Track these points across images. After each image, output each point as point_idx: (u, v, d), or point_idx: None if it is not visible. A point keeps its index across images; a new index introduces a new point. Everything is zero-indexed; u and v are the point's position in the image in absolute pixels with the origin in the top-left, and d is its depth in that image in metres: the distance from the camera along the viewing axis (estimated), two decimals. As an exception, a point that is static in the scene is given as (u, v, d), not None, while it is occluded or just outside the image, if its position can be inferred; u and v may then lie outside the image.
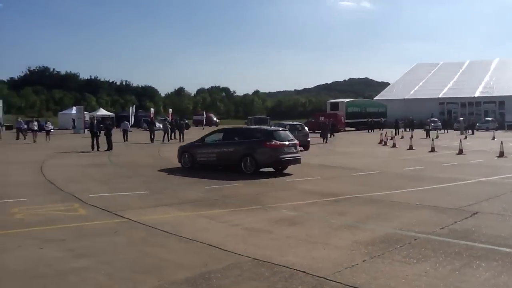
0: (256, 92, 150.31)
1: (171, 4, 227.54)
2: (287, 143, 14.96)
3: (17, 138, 35.06)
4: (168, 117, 72.53)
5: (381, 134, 33.16)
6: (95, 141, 24.44)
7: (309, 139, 25.25)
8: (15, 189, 11.40)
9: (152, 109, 75.88)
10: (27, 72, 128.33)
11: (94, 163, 17.99)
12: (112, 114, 65.26)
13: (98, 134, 25.21)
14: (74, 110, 57.44)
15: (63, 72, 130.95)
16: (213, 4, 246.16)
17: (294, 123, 28.36)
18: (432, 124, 46.71)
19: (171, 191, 11.30)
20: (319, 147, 28.77)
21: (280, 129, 16.79)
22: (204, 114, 73.17)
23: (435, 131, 41.72)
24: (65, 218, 8.22)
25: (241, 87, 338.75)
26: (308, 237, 6.86)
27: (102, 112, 64.58)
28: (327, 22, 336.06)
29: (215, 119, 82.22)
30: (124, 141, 32.03)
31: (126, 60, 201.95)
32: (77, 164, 17.80)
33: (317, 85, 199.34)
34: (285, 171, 15.28)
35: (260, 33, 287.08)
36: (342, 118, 52.06)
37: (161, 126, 60.38)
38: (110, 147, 24.21)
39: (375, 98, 77.34)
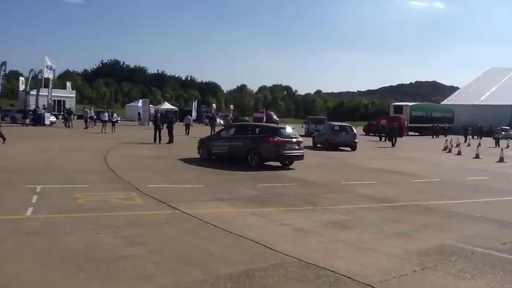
0: (318, 92, 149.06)
1: (238, 4, 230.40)
2: (290, 140, 16.08)
3: (86, 127, 37.03)
4: (229, 113, 73.49)
5: (446, 140, 31.76)
6: (157, 134, 25.27)
7: (356, 140, 26.33)
8: (81, 176, 12.02)
9: (214, 105, 77.33)
10: (100, 65, 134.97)
11: (154, 155, 18.62)
12: (176, 108, 67.14)
13: (161, 127, 26.06)
14: (140, 103, 59.71)
15: (132, 66, 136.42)
16: (278, 4, 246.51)
17: (344, 124, 28.97)
18: (503, 133, 44.15)
19: (225, 186, 11.45)
20: (379, 150, 28.08)
21: (285, 127, 17.97)
22: (264, 112, 73.45)
23: (506, 140, 39.34)
24: (123, 206, 8.56)
25: (303, 86, 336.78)
26: (358, 242, 6.70)
27: (167, 105, 66.69)
28: (395, 22, 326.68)
29: (275, 117, 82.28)
30: (186, 134, 33.13)
31: (192, 56, 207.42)
32: (139, 155, 18.48)
33: (382, 87, 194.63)
34: (345, 174, 15.05)
35: (325, 32, 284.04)
36: (405, 122, 50.40)
37: (222, 122, 61.47)
38: (171, 140, 24.92)
39: (442, 103, 74.31)
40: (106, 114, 36.73)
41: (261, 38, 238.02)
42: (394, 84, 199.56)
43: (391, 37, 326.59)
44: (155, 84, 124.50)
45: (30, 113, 41.44)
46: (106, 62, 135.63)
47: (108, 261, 5.33)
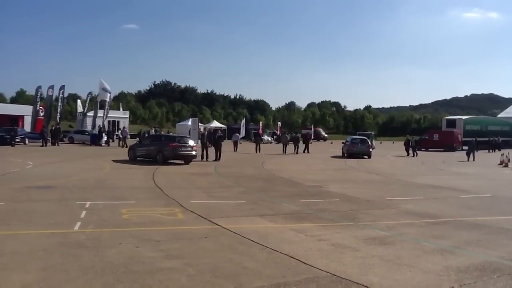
0: (368, 108, 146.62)
1: (286, 22, 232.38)
2: (184, 144, 22.91)
3: (122, 146, 37.82)
4: (277, 131, 73.69)
5: (502, 155, 30.38)
6: (205, 152, 25.81)
7: (370, 150, 33.03)
8: (128, 192, 12.51)
9: (261, 122, 77.86)
10: (152, 86, 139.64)
11: (200, 172, 19.02)
12: (224, 126, 68.22)
13: (208, 145, 26.61)
14: (189, 122, 61.07)
15: (183, 86, 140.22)
16: (326, 21, 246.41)
17: (360, 137, 36.17)
18: None
19: (267, 203, 11.55)
20: (429, 166, 27.25)
21: (182, 136, 26.83)
22: (312, 128, 73.19)
23: None
24: (165, 221, 8.85)
25: (353, 102, 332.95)
26: (395, 258, 6.58)
27: (215, 124, 67.87)
28: (449, 35, 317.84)
29: (323, 133, 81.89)
30: (234, 151, 35.36)
31: (241, 75, 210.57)
32: (185, 172, 18.95)
33: (435, 101, 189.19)
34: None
35: (375, 47, 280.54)
36: (459, 136, 48.63)
37: (269, 139, 61.69)
38: (218, 158, 25.35)
39: (499, 116, 71.11)
40: (152, 131, 36.20)
41: (309, 55, 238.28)
42: (448, 97, 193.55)
43: (445, 50, 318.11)
44: (205, 103, 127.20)
45: (86, 133, 43.46)
46: (158, 83, 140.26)
47: (145, 273, 5.55)
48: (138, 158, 23.82)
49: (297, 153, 35.96)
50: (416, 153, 36.61)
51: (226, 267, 5.91)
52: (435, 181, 17.84)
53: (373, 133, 57.37)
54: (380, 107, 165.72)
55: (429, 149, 45.78)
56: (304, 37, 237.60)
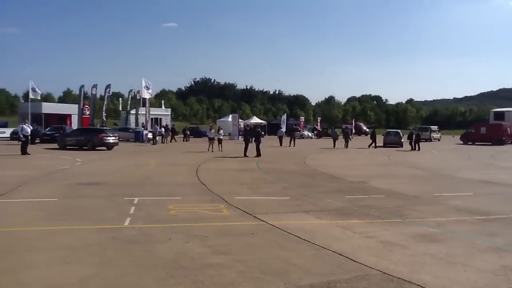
0: (410, 101, 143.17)
1: (324, 16, 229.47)
2: (108, 136, 30.15)
3: (154, 143, 38.13)
4: (317, 126, 73.18)
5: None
6: (247, 148, 25.97)
7: (402, 140, 39.00)
8: (174, 189, 12.74)
9: (302, 118, 77.49)
10: (192, 83, 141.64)
11: (243, 168, 19.14)
12: (264, 122, 68.32)
13: (250, 141, 26.78)
14: (230, 118, 61.58)
15: (222, 82, 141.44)
16: (368, 12, 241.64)
17: (393, 130, 44.65)
18: None
19: (311, 199, 11.48)
20: (476, 160, 26.36)
21: (108, 129, 35.46)
22: (353, 123, 72.17)
23: None
24: (211, 217, 8.96)
25: (394, 96, 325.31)
26: (448, 256, 6.39)
27: (255, 120, 68.10)
28: (495, 24, 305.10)
29: (365, 128, 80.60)
30: (280, 145, 36.72)
31: (280, 70, 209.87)
32: (228, 168, 19.12)
33: (481, 93, 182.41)
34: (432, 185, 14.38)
35: (416, 39, 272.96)
36: (508, 129, 46.73)
37: (309, 134, 61.62)
38: (258, 154, 25.43)
39: (552, 107, 67.73)
40: (213, 131, 31.85)
41: (349, 48, 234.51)
42: (495, 89, 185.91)
43: (490, 39, 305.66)
44: (244, 99, 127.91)
45: (130, 131, 44.60)
46: (198, 80, 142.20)
47: (196, 269, 5.63)
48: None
49: (347, 147, 36.52)
50: (418, 147, 35.23)
51: (274, 264, 5.92)
52: (484, 176, 17.22)
53: (429, 127, 57.41)
54: (423, 100, 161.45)
55: (476, 143, 44.36)
56: (343, 30, 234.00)
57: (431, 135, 54.94)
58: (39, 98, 46.00)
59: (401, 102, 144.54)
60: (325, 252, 6.52)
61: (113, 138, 30.44)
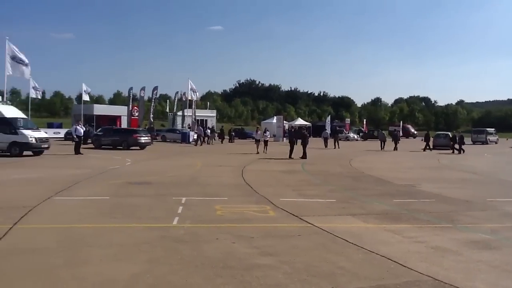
0: (460, 102, 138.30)
1: (370, 18, 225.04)
2: (142, 135, 31.75)
3: (196, 144, 38.53)
4: (363, 128, 72.05)
5: None
6: (292, 149, 25.90)
7: (451, 142, 36.27)
8: (220, 189, 12.88)
9: (347, 119, 76.52)
10: (237, 85, 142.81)
11: (288, 170, 19.12)
12: (309, 123, 67.93)
13: (295, 142, 26.72)
14: (274, 120, 61.66)
15: (267, 84, 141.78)
16: (415, 14, 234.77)
17: (443, 133, 45.80)
18: None
19: (357, 202, 11.31)
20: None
21: (142, 129, 36.13)
22: (400, 125, 70.53)
23: None
24: (257, 218, 9.00)
25: (443, 97, 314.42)
26: (504, 264, 6.13)
27: (300, 121, 67.84)
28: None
29: (412, 130, 78.63)
30: (325, 147, 37.28)
31: (324, 72, 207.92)
32: (273, 170, 19.14)
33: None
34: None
35: (468, 38, 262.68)
36: None
37: (355, 136, 60.87)
38: (304, 156, 25.30)
39: None
40: (259, 133, 31.41)
41: (396, 49, 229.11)
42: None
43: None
44: (289, 101, 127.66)
45: (177, 132, 45.55)
46: (242, 82, 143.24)
47: (243, 269, 5.67)
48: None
49: (396, 149, 35.91)
50: (463, 150, 34.06)
51: (322, 266, 5.87)
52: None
53: (491, 129, 55.62)
54: (474, 101, 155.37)
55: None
56: (390, 30, 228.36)
57: (487, 138, 52.82)
58: (87, 98, 47.66)
59: (451, 103, 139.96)
60: (373, 256, 6.40)
61: (146, 138, 31.92)
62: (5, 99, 28.06)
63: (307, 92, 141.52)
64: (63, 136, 42.57)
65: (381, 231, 8.13)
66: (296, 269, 5.73)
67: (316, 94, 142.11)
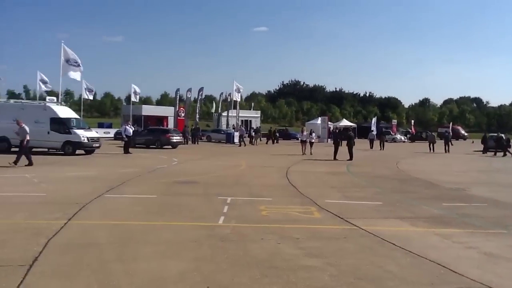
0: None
1: (417, 15, 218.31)
2: (174, 135, 33.06)
3: (240, 144, 38.93)
4: (410, 129, 70.27)
5: None
6: (337, 150, 25.65)
7: (505, 144, 33.88)
8: (265, 190, 12.94)
9: (394, 121, 74.87)
10: (281, 85, 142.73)
11: (333, 171, 18.94)
12: (354, 124, 66.97)
13: (339, 144, 26.43)
14: (319, 120, 61.18)
15: (311, 85, 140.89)
16: (465, 10, 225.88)
17: (495, 134, 40.30)
18: None
19: (405, 205, 11.06)
20: None
21: (173, 129, 36.58)
22: (450, 126, 68.30)
23: None
24: (302, 219, 8.99)
25: (496, 97, 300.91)
26: None
27: (345, 122, 66.95)
28: None
29: (463, 132, 76.00)
30: (371, 148, 37.39)
31: (370, 72, 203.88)
32: (318, 171, 19.02)
33: None
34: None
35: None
36: None
37: (402, 138, 59.48)
38: (350, 157, 24.96)
39: None
40: (305, 133, 31.06)
41: (445, 47, 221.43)
42: None
43: None
44: (334, 102, 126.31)
45: (222, 132, 46.11)
46: (287, 83, 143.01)
47: (288, 270, 5.68)
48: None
49: (447, 151, 34.90)
50: (508, 152, 32.72)
51: (368, 270, 5.79)
52: None
53: None
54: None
55: None
56: (438, 29, 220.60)
57: None
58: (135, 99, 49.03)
59: (504, 104, 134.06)
60: (422, 261, 6.25)
61: (178, 137, 33.48)
62: (59, 100, 29.42)
63: (352, 92, 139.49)
64: (113, 135, 44.01)
65: (430, 235, 7.92)
66: (343, 272, 5.68)
67: (362, 95, 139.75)
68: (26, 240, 6.74)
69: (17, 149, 23.31)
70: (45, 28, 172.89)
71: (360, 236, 7.70)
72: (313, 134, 32.17)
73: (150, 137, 32.93)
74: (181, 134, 35.33)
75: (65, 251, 6.28)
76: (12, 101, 30.60)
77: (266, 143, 44.63)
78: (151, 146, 31.81)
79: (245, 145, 38.94)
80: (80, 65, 30.11)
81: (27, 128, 18.11)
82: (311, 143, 30.51)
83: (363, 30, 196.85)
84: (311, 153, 29.22)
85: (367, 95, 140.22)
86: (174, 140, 32.65)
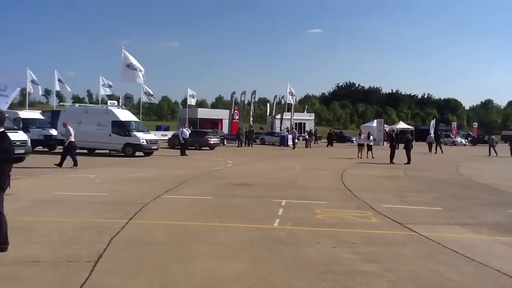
0: None
1: (477, 12, 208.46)
2: (212, 137, 34.83)
3: (294, 147, 38.99)
4: (471, 132, 67.53)
5: None
6: (393, 154, 25.04)
7: None
8: (319, 193, 12.85)
9: (454, 123, 72.06)
10: (336, 88, 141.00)
11: (389, 175, 18.50)
12: (411, 127, 65.05)
13: (396, 147, 25.79)
14: (374, 123, 59.99)
15: (366, 87, 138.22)
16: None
17: None
18: None
19: (467, 211, 10.62)
20: None
21: (211, 131, 40.48)
22: (516, 129, 64.81)
23: None
24: (358, 223, 8.85)
25: None
26: None
27: (402, 125, 65.18)
28: None
29: (529, 135, 71.80)
30: (429, 151, 36.62)
31: (429, 72, 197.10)
32: (373, 174, 18.64)
33: None
34: None
35: None
36: None
37: (462, 141, 57.12)
38: (408, 161, 24.28)
39: None
40: (362, 137, 30.20)
41: (508, 46, 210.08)
42: None
43: None
44: (390, 104, 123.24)
45: (276, 135, 46.24)
46: (342, 85, 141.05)
47: (345, 275, 5.62)
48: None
49: None
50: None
51: (429, 277, 5.62)
52: None
53: None
54: None
55: None
56: (501, 27, 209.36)
57: None
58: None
59: None
60: (486, 270, 5.98)
61: (215, 139, 35.61)
62: (120, 104, 30.65)
63: (409, 94, 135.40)
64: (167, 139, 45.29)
65: (494, 243, 7.57)
66: (401, 278, 5.54)
67: (420, 97, 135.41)
68: (91, 237, 7.08)
69: (84, 151, 24.64)
70: (107, 35, 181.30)
71: (419, 242, 7.48)
72: (371, 137, 30.83)
73: (189, 139, 33.82)
74: (218, 136, 37.49)
75: (127, 249, 6.54)
76: (77, 105, 32.23)
77: (327, 146, 44.53)
78: (190, 147, 31.88)
79: (293, 147, 38.92)
80: (142, 69, 31.24)
81: (71, 130, 18.65)
82: (370, 147, 29.36)
83: (420, 30, 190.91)
84: (372, 157, 28.05)
85: (425, 96, 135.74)
86: (212, 142, 34.36)
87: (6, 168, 6.13)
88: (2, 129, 6.18)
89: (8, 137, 6.20)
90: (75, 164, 17.69)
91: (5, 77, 25.42)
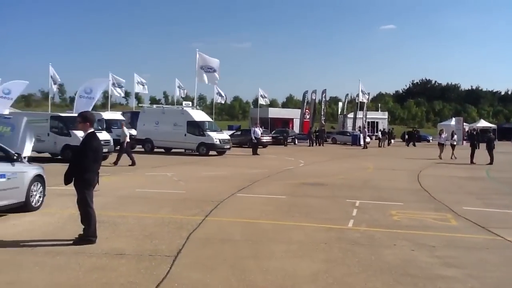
0: None
1: None
2: (263, 137, 33.65)
3: (365, 146, 38.23)
4: None
5: None
6: (474, 154, 23.74)
7: None
8: (395, 194, 12.50)
9: (542, 121, 66.95)
10: (411, 85, 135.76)
11: (470, 176, 17.60)
12: (494, 126, 61.21)
13: (476, 146, 24.41)
14: (453, 121, 57.15)
15: (444, 83, 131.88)
16: None
17: None
18: None
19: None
20: None
21: (264, 130, 37.87)
22: None
23: None
24: (437, 226, 8.51)
25: None
26: None
27: (483, 123, 61.53)
28: None
29: None
30: None
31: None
32: (452, 175, 17.80)
33: None
34: None
35: None
36: None
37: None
38: (491, 161, 22.92)
39: None
40: (444, 136, 28.24)
41: None
42: None
43: None
44: (469, 101, 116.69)
45: (348, 134, 45.50)
46: (417, 82, 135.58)
47: (424, 278, 5.44)
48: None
49: None
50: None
51: (517, 285, 5.31)
52: None
53: None
54: None
55: None
56: None
57: None
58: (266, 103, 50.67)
59: None
60: None
61: (267, 138, 35.98)
62: (194, 105, 31.67)
63: (491, 90, 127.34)
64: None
65: None
66: (486, 285, 5.28)
67: (503, 93, 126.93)
68: (170, 233, 7.41)
69: (161, 150, 25.78)
70: (182, 38, 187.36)
71: (505, 247, 7.07)
72: (455, 136, 28.94)
73: (242, 137, 35.29)
74: (270, 135, 38.11)
75: (204, 245, 6.77)
76: (154, 106, 33.68)
77: (407, 145, 43.22)
78: (243, 146, 33.15)
79: (365, 147, 38.10)
80: (216, 69, 32.02)
81: (127, 131, 19.33)
82: (453, 146, 27.55)
83: (500, 23, 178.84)
84: (455, 157, 26.36)
85: (509, 92, 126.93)
86: (264, 141, 34.25)
87: (95, 166, 6.61)
88: (92, 130, 6.67)
89: (98, 137, 6.69)
90: (133, 163, 18.16)
91: (91, 82, 27.22)
